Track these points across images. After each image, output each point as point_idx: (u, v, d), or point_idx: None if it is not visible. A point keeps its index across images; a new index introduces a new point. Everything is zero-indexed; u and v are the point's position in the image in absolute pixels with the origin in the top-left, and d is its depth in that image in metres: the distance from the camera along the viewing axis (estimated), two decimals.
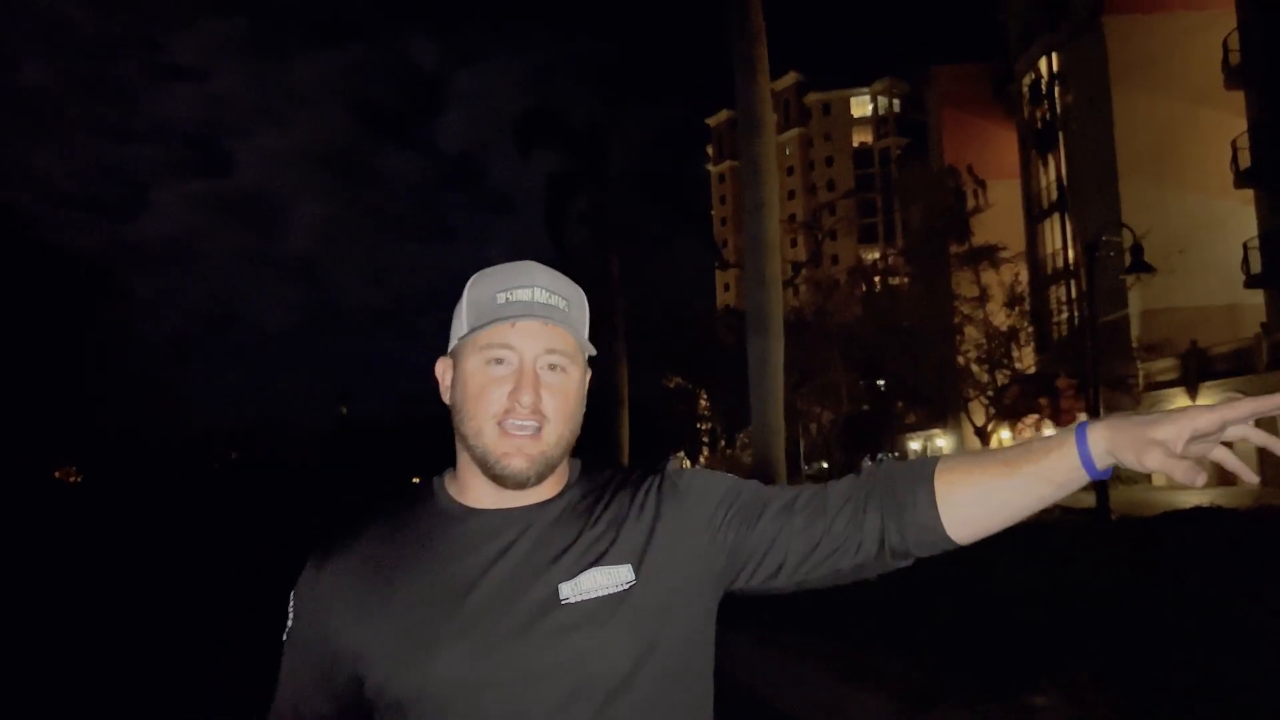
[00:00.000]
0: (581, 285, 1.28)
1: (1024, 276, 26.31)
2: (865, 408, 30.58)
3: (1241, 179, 28.22)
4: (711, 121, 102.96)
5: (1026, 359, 29.52)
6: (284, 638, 1.26)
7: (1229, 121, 29.24)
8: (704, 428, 48.96)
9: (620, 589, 1.18)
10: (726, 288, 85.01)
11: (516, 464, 1.18)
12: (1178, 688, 5.38)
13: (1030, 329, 22.59)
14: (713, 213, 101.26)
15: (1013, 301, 22.24)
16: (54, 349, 39.10)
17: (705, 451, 49.59)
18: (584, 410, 1.26)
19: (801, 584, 1.25)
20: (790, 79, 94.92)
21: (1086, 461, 1.12)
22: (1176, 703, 5.11)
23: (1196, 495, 21.19)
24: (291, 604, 1.25)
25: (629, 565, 1.20)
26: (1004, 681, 5.66)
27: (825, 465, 43.22)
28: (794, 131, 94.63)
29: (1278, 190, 26.57)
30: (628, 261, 24.70)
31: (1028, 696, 5.36)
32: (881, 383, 31.44)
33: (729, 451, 49.43)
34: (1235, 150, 28.29)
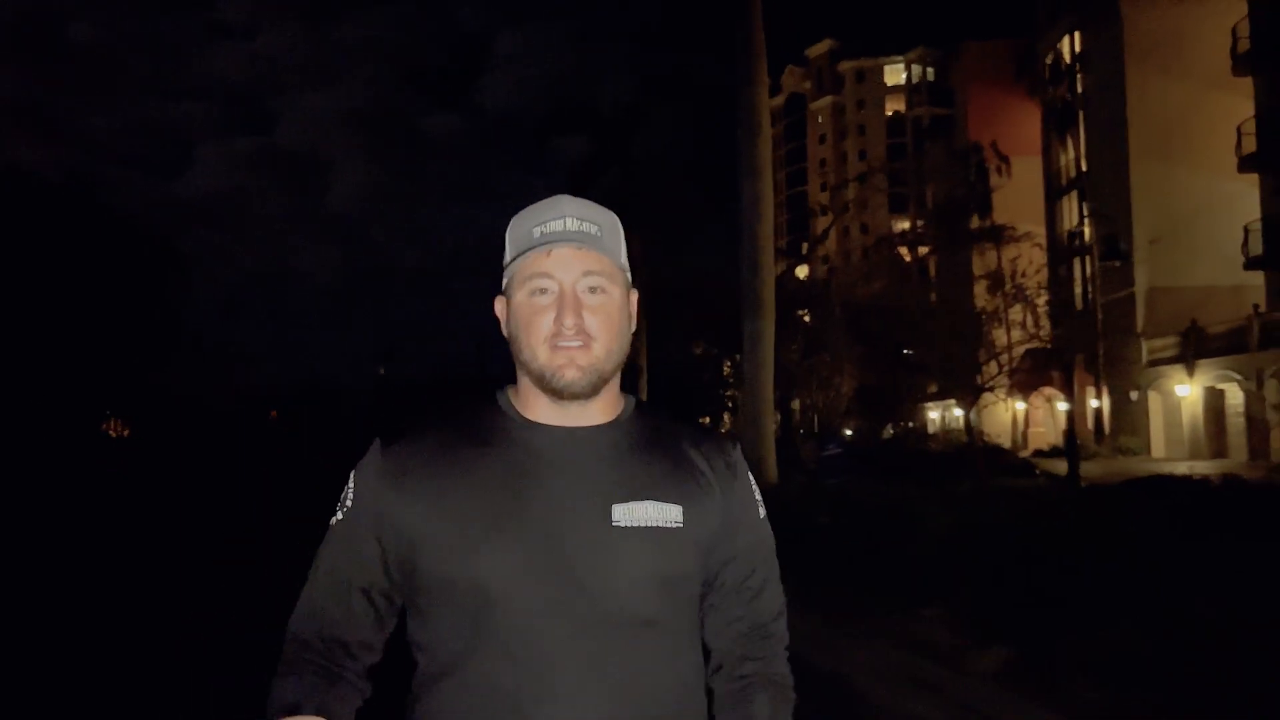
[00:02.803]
0: None
1: (1020, 257, 26.89)
2: (872, 379, 31.79)
3: (1245, 163, 29.18)
4: None
5: (1019, 337, 30.35)
6: (339, 514, 1.31)
7: (1238, 105, 30.10)
8: (728, 394, 50.43)
9: (669, 526, 1.25)
10: None
11: (570, 374, 1.25)
12: (1043, 610, 7.02)
13: (1019, 310, 23.47)
14: None
15: (995, 285, 23.38)
16: (109, 308, 40.54)
17: (727, 417, 51.16)
18: (632, 328, 1.34)
19: None
20: (824, 46, 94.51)
21: None
22: (1030, 617, 6.75)
23: (1188, 466, 22.58)
24: (352, 483, 1.32)
25: (680, 508, 1.27)
26: (909, 602, 7.36)
27: (849, 433, 44.83)
28: (826, 99, 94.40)
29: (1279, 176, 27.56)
30: (660, 232, 25.98)
31: (921, 610, 7.06)
32: (909, 352, 32.48)
33: None
34: (1240, 135, 29.22)
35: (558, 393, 1.26)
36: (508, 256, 1.32)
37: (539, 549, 1.21)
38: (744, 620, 1.37)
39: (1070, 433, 17.74)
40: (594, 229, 1.29)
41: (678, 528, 1.26)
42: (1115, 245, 17.33)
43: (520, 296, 1.29)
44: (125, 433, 57.65)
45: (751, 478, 1.40)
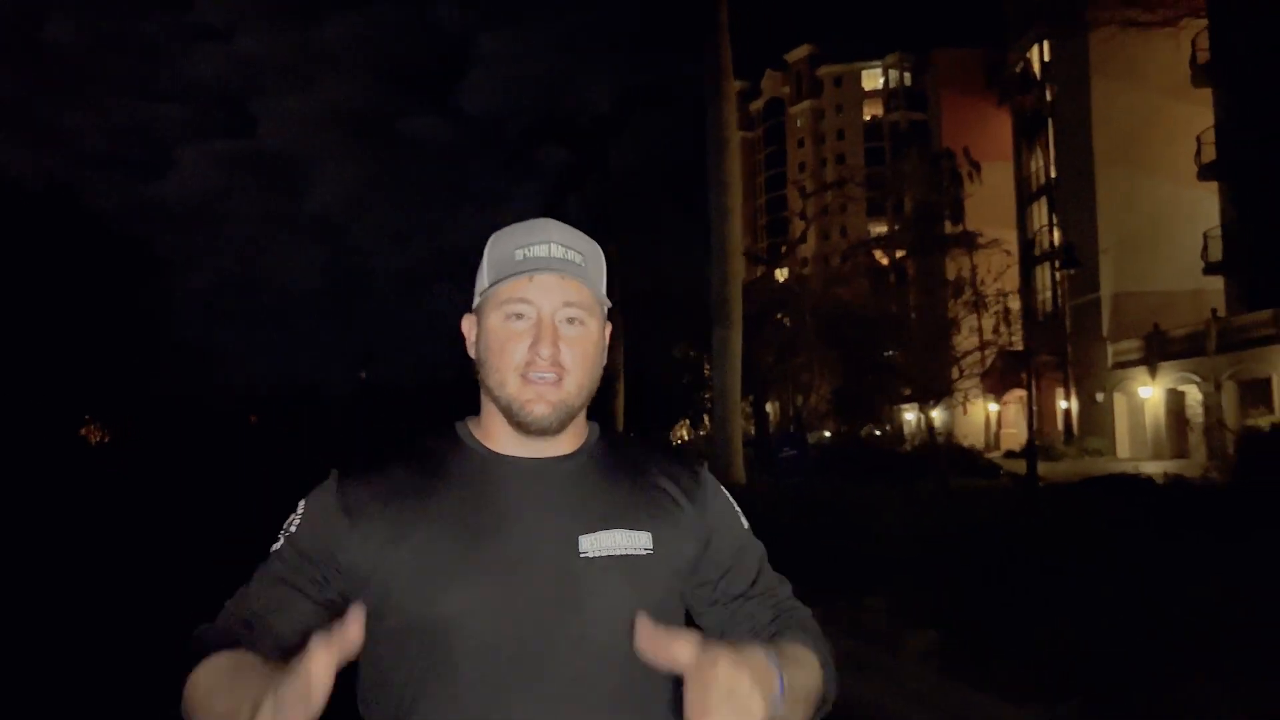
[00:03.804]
0: None
1: (979, 266, 27.46)
2: (842, 383, 32.43)
3: (1205, 172, 30.06)
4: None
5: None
6: (280, 540, 1.24)
7: (1199, 115, 30.95)
8: (708, 396, 50.91)
9: (638, 554, 1.22)
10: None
11: (539, 410, 1.21)
12: (972, 598, 7.64)
13: (977, 316, 24.05)
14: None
15: (957, 291, 24.06)
16: (87, 311, 40.26)
17: (707, 420, 51.70)
18: (604, 362, 1.30)
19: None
20: (803, 51, 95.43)
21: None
22: (960, 604, 7.37)
23: (1135, 466, 23.33)
24: (300, 510, 1.25)
25: (649, 534, 1.24)
26: (855, 590, 7.97)
27: (827, 434, 45.55)
28: (805, 104, 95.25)
29: (1238, 184, 28.39)
30: (639, 235, 26.43)
31: (865, 597, 7.67)
32: (891, 353, 33.02)
33: None
34: (1200, 144, 30.09)
35: (524, 427, 1.23)
36: (485, 277, 1.27)
37: (504, 585, 1.16)
38: (771, 611, 1.34)
39: (1030, 433, 18.46)
40: (578, 258, 1.25)
41: (648, 554, 1.23)
42: (1073, 254, 18.09)
43: (495, 319, 1.25)
44: (105, 438, 57.24)
45: (727, 492, 1.38)
